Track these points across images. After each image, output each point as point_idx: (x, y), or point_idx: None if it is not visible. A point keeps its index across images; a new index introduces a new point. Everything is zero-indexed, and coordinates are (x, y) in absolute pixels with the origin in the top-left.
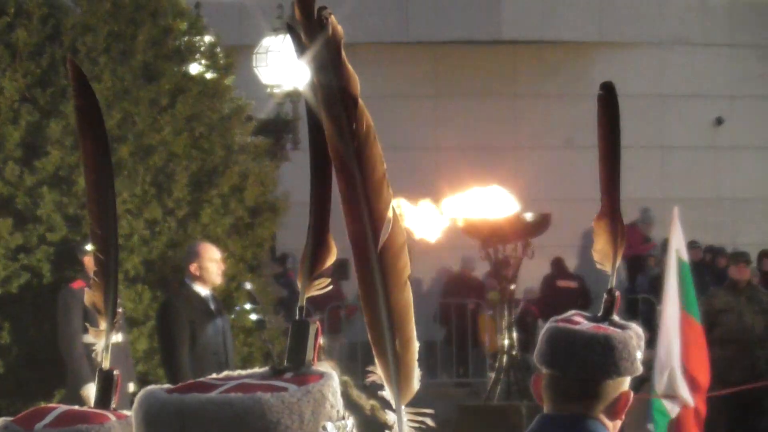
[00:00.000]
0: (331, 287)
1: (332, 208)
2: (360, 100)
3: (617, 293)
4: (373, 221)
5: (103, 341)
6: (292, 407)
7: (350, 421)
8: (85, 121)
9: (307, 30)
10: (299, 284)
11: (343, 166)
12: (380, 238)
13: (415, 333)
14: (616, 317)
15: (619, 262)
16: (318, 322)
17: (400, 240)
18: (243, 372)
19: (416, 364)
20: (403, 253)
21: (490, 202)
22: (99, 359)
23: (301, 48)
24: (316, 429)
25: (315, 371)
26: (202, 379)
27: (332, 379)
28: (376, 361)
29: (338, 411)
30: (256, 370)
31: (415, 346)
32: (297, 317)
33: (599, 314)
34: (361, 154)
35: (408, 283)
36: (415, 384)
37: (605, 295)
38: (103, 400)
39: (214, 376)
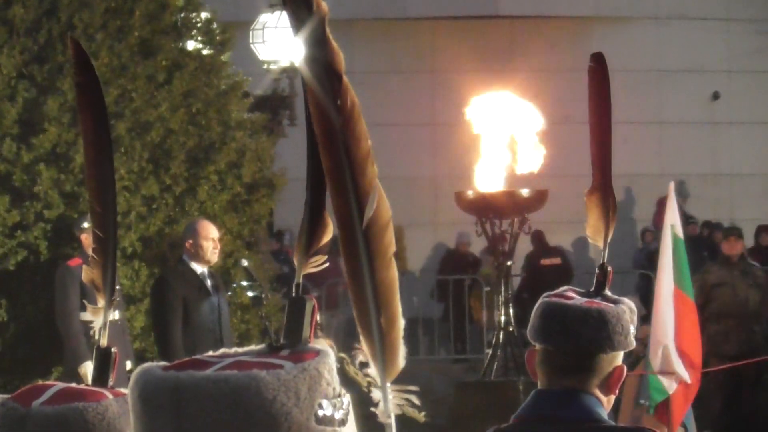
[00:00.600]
0: (328, 264)
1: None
2: (345, 77)
3: (609, 268)
4: (358, 197)
5: (101, 319)
6: (288, 384)
7: (346, 398)
8: (85, 98)
9: (293, 8)
10: (296, 261)
11: (329, 142)
12: (365, 214)
13: (400, 310)
14: (608, 292)
15: (610, 236)
16: (315, 299)
17: (385, 217)
18: (239, 349)
19: (401, 341)
20: (388, 229)
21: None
22: (97, 337)
23: (294, 25)
24: (312, 406)
25: (311, 349)
26: (198, 356)
27: (328, 356)
28: (361, 338)
29: (334, 388)
30: (253, 347)
31: (401, 323)
32: (294, 294)
33: (592, 289)
34: (347, 130)
35: (393, 260)
36: (401, 361)
37: (597, 270)
38: (100, 377)
39: (210, 353)
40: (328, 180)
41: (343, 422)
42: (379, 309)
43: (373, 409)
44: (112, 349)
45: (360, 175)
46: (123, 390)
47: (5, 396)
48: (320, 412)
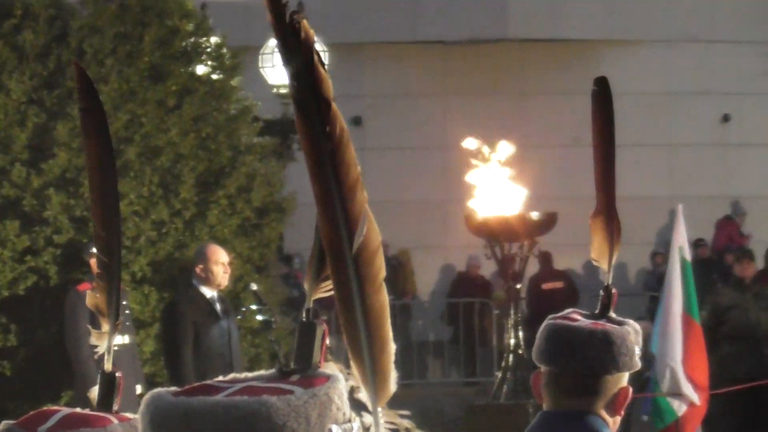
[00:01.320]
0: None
1: None
2: (333, 103)
3: (614, 290)
4: (347, 223)
5: (106, 343)
6: (298, 410)
7: (356, 424)
8: (90, 124)
9: (280, 34)
10: (306, 286)
11: (318, 169)
12: (355, 240)
13: (391, 335)
14: (613, 314)
15: (615, 259)
16: (325, 324)
17: (375, 242)
18: (249, 374)
19: (393, 366)
20: (378, 255)
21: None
22: (104, 361)
23: (282, 51)
24: (322, 431)
25: (321, 374)
26: (208, 381)
27: (339, 381)
28: (351, 363)
29: (344, 413)
30: (263, 372)
31: (392, 348)
32: (304, 319)
33: (596, 311)
34: (335, 156)
35: (383, 285)
36: (392, 386)
37: (601, 292)
38: (105, 402)
39: (220, 378)
40: (317, 207)
41: None
42: (369, 334)
43: (356, 426)
44: (117, 374)
45: (349, 201)
46: (129, 415)
47: (11, 422)
48: None
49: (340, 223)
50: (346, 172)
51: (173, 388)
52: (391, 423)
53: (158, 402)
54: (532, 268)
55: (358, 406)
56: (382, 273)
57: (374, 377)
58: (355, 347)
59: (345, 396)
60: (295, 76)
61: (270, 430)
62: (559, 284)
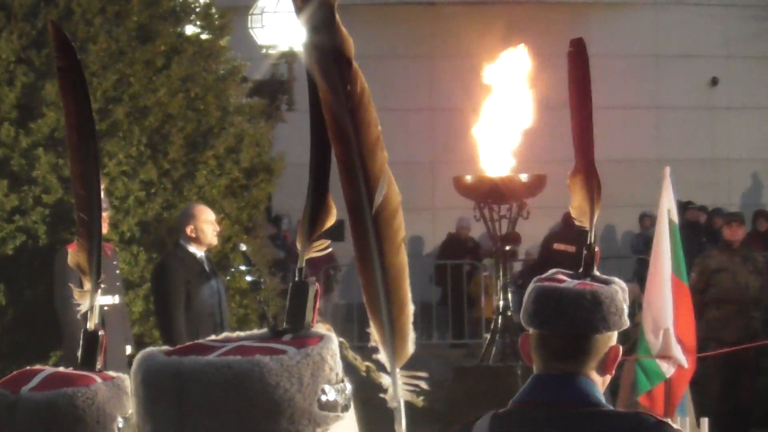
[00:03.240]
0: (330, 249)
1: (332, 169)
2: (354, 62)
3: (597, 249)
4: (367, 183)
5: (88, 302)
6: (291, 370)
7: (349, 384)
8: (68, 83)
9: None
10: (299, 246)
11: (338, 128)
12: (375, 200)
13: (410, 296)
14: (597, 272)
15: (596, 217)
16: (317, 284)
17: (395, 202)
18: (242, 334)
19: (411, 326)
20: (398, 215)
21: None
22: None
23: (298, 9)
24: (315, 391)
25: (314, 333)
26: (200, 341)
27: (331, 341)
28: (371, 323)
29: (337, 374)
30: (255, 331)
31: (410, 308)
32: (296, 278)
33: (580, 270)
34: (356, 116)
35: (403, 245)
36: (410, 347)
37: (584, 251)
38: (88, 361)
39: (212, 337)
40: (338, 166)
41: (346, 407)
42: (388, 294)
43: (382, 394)
44: (100, 332)
45: (370, 161)
46: (111, 373)
47: None
48: (323, 398)
49: (360, 182)
50: (367, 132)
51: (166, 348)
52: (366, 365)
53: (150, 361)
54: (521, 230)
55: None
56: (402, 233)
57: (393, 338)
58: (373, 307)
59: (338, 356)
60: (315, 35)
61: (263, 389)
62: (571, 248)
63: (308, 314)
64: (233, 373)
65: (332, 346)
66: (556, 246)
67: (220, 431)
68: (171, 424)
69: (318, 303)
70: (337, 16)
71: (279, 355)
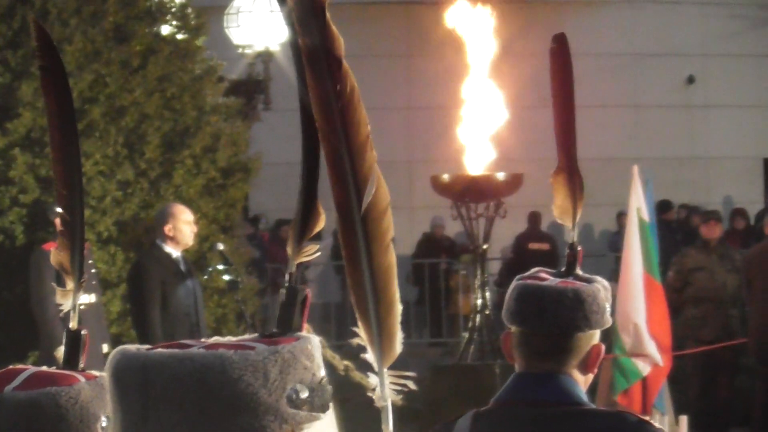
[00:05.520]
0: (319, 254)
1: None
2: (344, 62)
3: (579, 248)
4: (356, 182)
5: (71, 301)
6: (256, 365)
7: (329, 386)
8: (49, 82)
9: None
10: (289, 251)
11: (327, 128)
12: (363, 200)
13: (398, 296)
14: (580, 271)
15: (579, 217)
16: (307, 289)
17: (384, 202)
18: (233, 338)
19: (399, 326)
20: (387, 215)
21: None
22: (69, 319)
23: (287, 6)
24: (284, 388)
25: (293, 334)
26: (183, 341)
27: (308, 342)
28: (358, 323)
29: (314, 374)
30: (247, 336)
31: (398, 309)
32: (287, 284)
33: (562, 269)
34: (345, 115)
35: (391, 245)
36: (398, 346)
37: (567, 250)
38: (71, 360)
39: (203, 341)
40: (327, 165)
41: (323, 408)
42: (376, 294)
43: (369, 393)
44: (83, 332)
45: (359, 161)
46: (95, 372)
47: None
48: (293, 396)
49: (349, 181)
50: (356, 131)
51: (145, 346)
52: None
53: (119, 355)
54: (499, 228)
55: (325, 365)
56: (390, 233)
57: (380, 337)
58: (361, 307)
59: (316, 357)
60: (305, 34)
61: (224, 381)
62: (545, 246)
63: (296, 318)
64: (195, 365)
65: (308, 346)
66: (531, 245)
67: (183, 423)
68: (136, 416)
69: (307, 307)
70: (328, 15)
71: (246, 350)
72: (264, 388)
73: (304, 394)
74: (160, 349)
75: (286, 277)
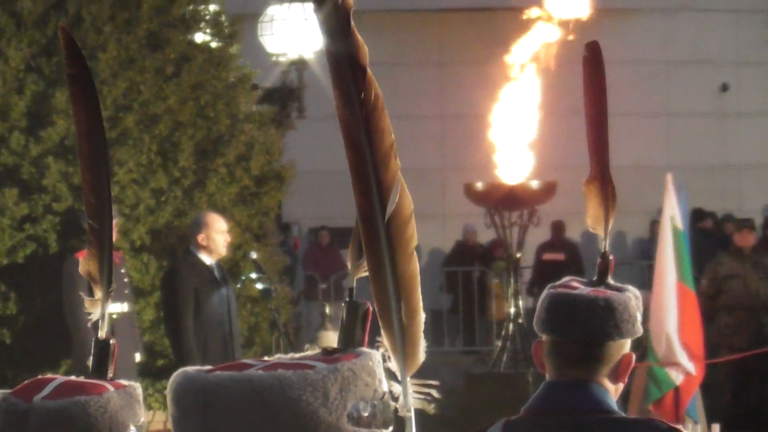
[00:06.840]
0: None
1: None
2: (369, 70)
3: (611, 257)
4: (380, 192)
5: (100, 310)
6: (315, 384)
7: (391, 403)
8: (78, 90)
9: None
10: (349, 265)
11: (351, 136)
12: (387, 208)
13: (421, 304)
14: (611, 280)
15: (611, 225)
16: (369, 304)
17: (407, 210)
18: (296, 355)
19: (422, 335)
20: (410, 223)
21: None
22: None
23: (319, 17)
24: (344, 406)
25: (354, 351)
26: (244, 360)
27: (370, 358)
28: (382, 331)
29: (375, 390)
30: (309, 353)
31: (422, 317)
32: (348, 299)
33: (594, 278)
34: (369, 123)
35: (414, 254)
36: (421, 355)
37: (599, 259)
38: (100, 369)
39: (264, 358)
40: (351, 173)
41: (386, 424)
42: (399, 302)
43: (393, 403)
44: (111, 341)
45: (383, 169)
46: (123, 382)
47: (6, 391)
48: (355, 413)
49: (373, 190)
50: (380, 140)
51: (208, 367)
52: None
53: (178, 378)
54: (533, 237)
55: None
56: (414, 241)
57: (404, 345)
58: (385, 315)
59: (377, 373)
60: (330, 41)
61: (283, 402)
62: (560, 256)
63: (357, 334)
64: (253, 386)
65: (370, 362)
66: (546, 257)
67: None
68: None
69: (368, 322)
70: (353, 23)
71: (305, 370)
72: (324, 407)
73: (366, 412)
74: (218, 372)
75: (347, 292)
